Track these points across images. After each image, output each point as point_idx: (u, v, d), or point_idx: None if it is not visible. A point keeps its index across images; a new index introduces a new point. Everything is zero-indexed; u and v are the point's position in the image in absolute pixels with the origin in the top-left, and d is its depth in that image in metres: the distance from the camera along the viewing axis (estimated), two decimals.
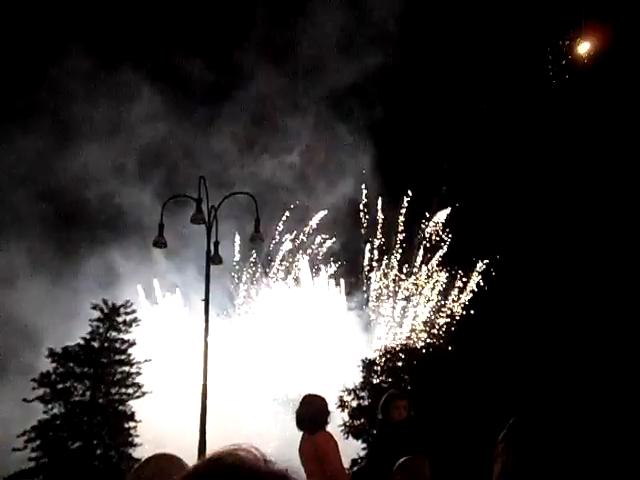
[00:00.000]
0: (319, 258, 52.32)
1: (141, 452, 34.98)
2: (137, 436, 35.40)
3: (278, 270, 52.69)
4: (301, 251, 52.29)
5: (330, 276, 51.86)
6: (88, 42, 49.18)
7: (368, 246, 51.89)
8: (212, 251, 15.42)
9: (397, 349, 37.29)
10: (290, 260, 52.28)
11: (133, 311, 37.82)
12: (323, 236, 52.00)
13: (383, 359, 36.08)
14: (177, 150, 53.31)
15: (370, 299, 51.63)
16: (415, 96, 50.51)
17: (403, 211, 51.83)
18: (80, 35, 49.25)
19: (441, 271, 49.61)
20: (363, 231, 53.08)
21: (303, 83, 58.97)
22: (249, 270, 52.08)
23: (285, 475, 1.00)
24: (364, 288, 52.01)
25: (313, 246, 52.19)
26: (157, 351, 40.87)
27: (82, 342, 36.08)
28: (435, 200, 51.77)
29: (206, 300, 15.09)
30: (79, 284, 43.92)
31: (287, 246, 52.10)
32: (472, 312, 43.80)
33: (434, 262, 50.09)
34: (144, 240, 45.53)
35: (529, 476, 1.56)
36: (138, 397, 36.10)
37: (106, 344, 36.41)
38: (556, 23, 43.46)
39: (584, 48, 37.59)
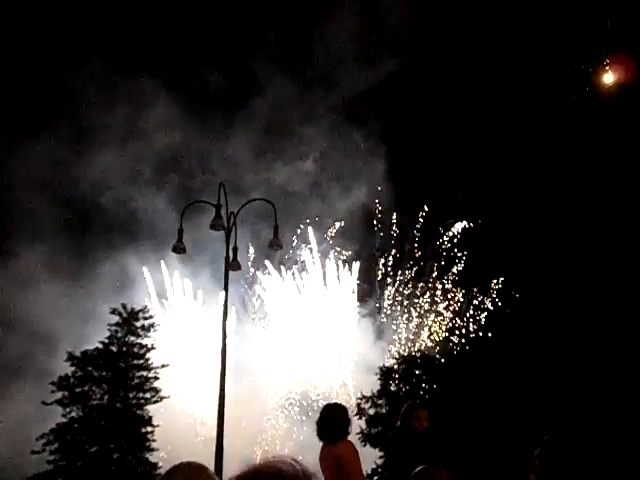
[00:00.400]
0: (334, 265, 52.39)
1: (157, 457, 35.16)
2: (154, 441, 35.51)
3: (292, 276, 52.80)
4: (315, 258, 52.30)
5: (344, 283, 51.89)
6: (105, 52, 49.72)
7: (382, 260, 51.85)
8: (230, 257, 15.44)
9: (416, 357, 37.10)
10: (304, 267, 52.35)
11: (151, 316, 38.01)
12: (338, 248, 51.97)
13: (401, 367, 35.90)
14: (192, 157, 53.72)
15: (384, 310, 51.58)
16: (430, 104, 50.52)
17: (418, 226, 51.72)
18: (98, 45, 49.80)
19: (455, 287, 49.44)
20: (377, 242, 53.06)
21: (317, 91, 59.20)
22: (261, 280, 52.11)
23: None
24: (377, 298, 52.01)
25: (328, 259, 52.19)
26: (173, 353, 41.11)
27: (101, 346, 36.28)
28: (451, 208, 51.64)
29: (225, 307, 15.09)
30: (94, 288, 44.42)
31: (304, 254, 52.11)
32: (488, 327, 43.49)
33: (449, 278, 49.89)
34: (158, 245, 46.22)
35: None
36: (156, 402, 36.23)
37: (124, 349, 36.58)
38: (578, 41, 43.37)
39: (609, 77, 37.54)
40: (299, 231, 51.81)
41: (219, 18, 54.11)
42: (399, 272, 51.69)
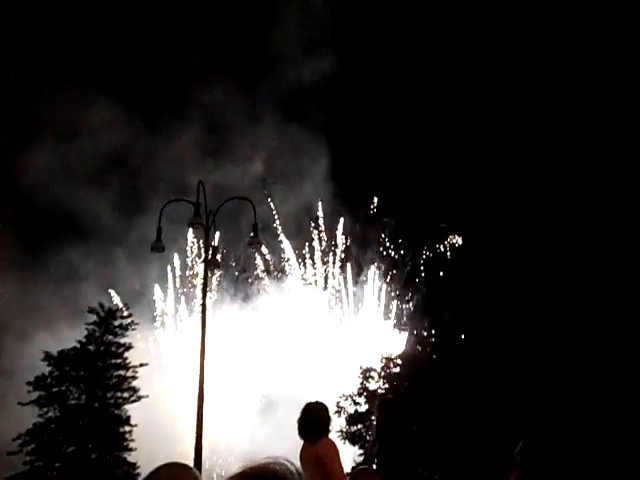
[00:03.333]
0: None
1: (136, 457, 34.89)
2: (132, 440, 35.25)
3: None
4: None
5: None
6: (48, 52, 49.45)
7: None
8: (208, 255, 15.36)
9: (394, 356, 37.23)
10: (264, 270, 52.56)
11: (130, 315, 37.75)
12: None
13: (380, 365, 36.03)
14: (135, 157, 53.65)
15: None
16: (374, 100, 51.07)
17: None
18: (40, 45, 49.43)
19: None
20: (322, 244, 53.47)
21: (261, 90, 59.63)
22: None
23: None
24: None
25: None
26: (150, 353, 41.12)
27: (78, 345, 35.98)
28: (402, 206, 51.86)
29: (203, 304, 15.00)
30: (44, 283, 44.57)
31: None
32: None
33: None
34: (105, 243, 46.66)
35: None
36: (134, 401, 35.96)
37: (102, 348, 36.28)
38: None
39: None
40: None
41: (158, 17, 53.95)
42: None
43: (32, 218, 47.95)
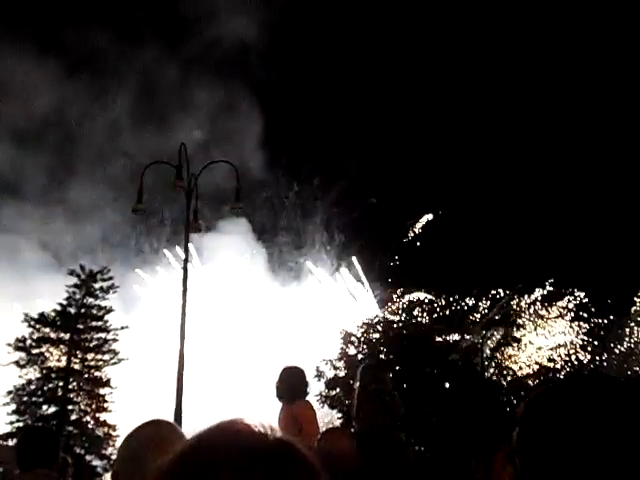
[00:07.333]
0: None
1: (116, 418, 35.11)
2: (112, 402, 35.46)
3: None
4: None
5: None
6: None
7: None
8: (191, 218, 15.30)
9: (374, 322, 37.55)
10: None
11: (110, 278, 37.61)
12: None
13: (360, 331, 36.33)
14: (69, 119, 52.76)
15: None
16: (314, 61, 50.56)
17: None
18: None
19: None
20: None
21: (194, 48, 58.85)
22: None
23: (291, 443, 0.99)
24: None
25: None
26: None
27: (58, 308, 35.92)
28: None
29: (185, 267, 14.99)
30: None
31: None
32: None
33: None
34: (40, 204, 46.42)
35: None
36: (114, 364, 36.09)
37: (82, 310, 36.24)
38: None
39: None
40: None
41: None
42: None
43: None
